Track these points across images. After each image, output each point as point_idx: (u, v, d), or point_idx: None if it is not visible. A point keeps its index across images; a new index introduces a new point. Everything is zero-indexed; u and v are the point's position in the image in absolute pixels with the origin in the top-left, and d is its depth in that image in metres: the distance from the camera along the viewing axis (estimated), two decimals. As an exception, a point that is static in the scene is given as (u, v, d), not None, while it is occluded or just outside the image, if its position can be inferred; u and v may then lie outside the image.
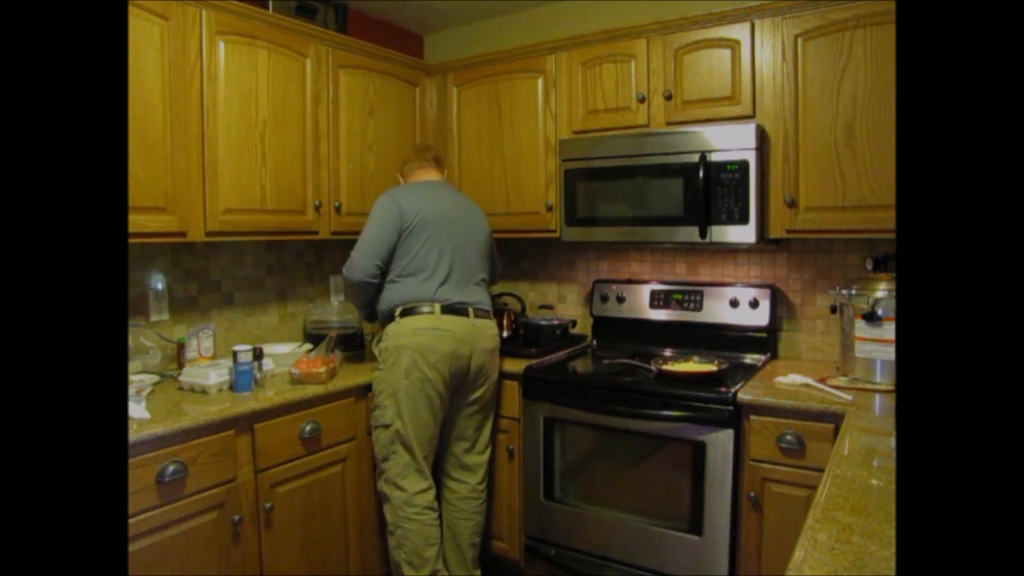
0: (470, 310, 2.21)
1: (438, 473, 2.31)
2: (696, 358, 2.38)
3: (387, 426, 2.12)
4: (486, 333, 2.25)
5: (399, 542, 2.13)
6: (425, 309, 2.16)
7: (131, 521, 1.62)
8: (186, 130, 2.05)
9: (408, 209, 2.21)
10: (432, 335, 2.12)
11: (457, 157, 2.92)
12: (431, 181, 2.40)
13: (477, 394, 2.27)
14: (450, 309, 2.18)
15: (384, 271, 2.23)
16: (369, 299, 2.28)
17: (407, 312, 2.17)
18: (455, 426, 2.28)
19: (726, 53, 2.28)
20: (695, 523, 2.05)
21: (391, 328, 2.17)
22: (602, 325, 2.83)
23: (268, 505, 1.96)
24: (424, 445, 2.14)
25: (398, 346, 2.11)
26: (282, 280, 2.76)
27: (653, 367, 2.27)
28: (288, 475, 2.04)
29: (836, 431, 1.79)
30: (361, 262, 2.20)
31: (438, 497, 2.26)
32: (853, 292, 2.09)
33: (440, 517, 2.24)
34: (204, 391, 2.00)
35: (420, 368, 2.10)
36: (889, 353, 2.01)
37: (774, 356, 2.52)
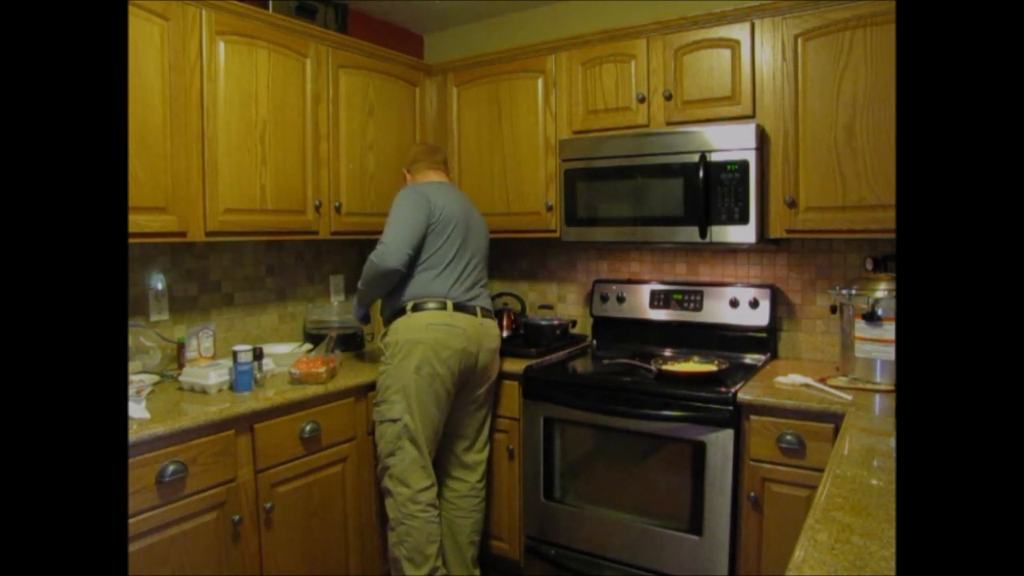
0: (477, 309, 2.23)
1: (438, 472, 2.31)
2: (696, 358, 2.38)
3: (395, 421, 2.10)
4: (491, 332, 2.27)
5: (400, 538, 2.13)
6: (437, 305, 2.16)
7: (131, 521, 1.62)
8: (186, 130, 2.05)
9: (436, 204, 2.22)
10: (445, 331, 2.13)
11: (457, 157, 2.92)
12: (440, 182, 2.39)
13: (479, 392, 2.28)
14: (460, 307, 2.19)
15: (413, 261, 2.18)
16: (384, 293, 2.25)
17: (419, 307, 2.16)
18: (456, 424, 2.29)
19: (726, 53, 2.28)
20: (695, 523, 2.05)
21: (401, 322, 2.16)
22: (602, 325, 2.83)
23: (268, 505, 1.96)
24: (430, 441, 2.15)
25: (410, 340, 2.11)
26: (282, 280, 2.76)
27: (653, 367, 2.27)
28: (288, 475, 2.04)
29: (836, 431, 1.79)
30: (396, 249, 2.11)
31: (438, 496, 2.26)
32: (853, 292, 2.09)
33: (439, 516, 2.24)
34: (204, 391, 2.00)
35: (431, 363, 2.10)
36: (889, 353, 2.01)
37: (774, 356, 2.52)
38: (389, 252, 2.13)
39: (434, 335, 2.11)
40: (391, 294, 2.24)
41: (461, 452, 2.31)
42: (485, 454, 2.37)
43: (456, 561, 2.29)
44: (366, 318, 2.44)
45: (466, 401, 2.27)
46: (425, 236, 2.19)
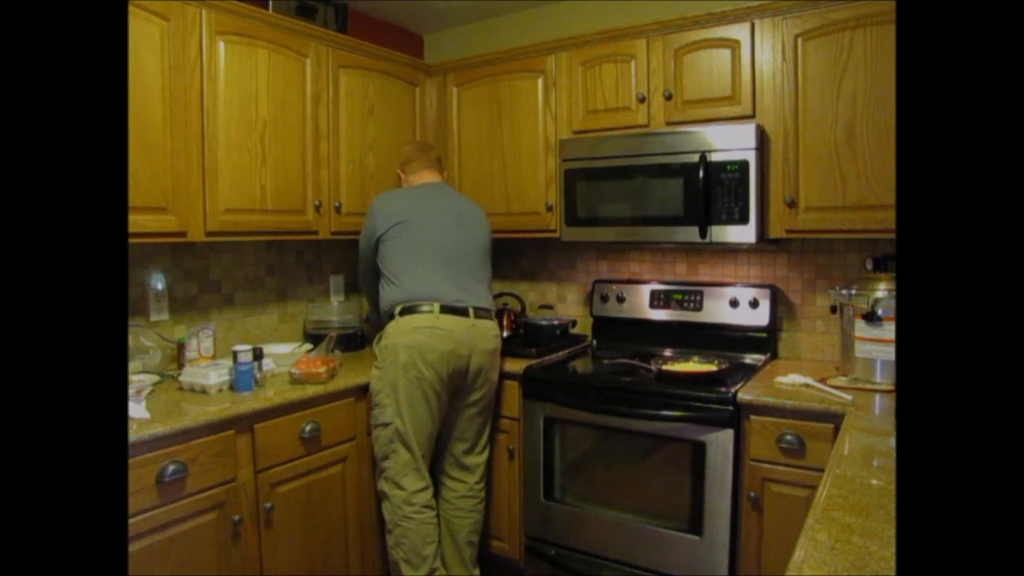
0: (470, 310, 2.20)
1: (436, 472, 2.31)
2: (696, 358, 2.38)
3: (387, 424, 2.12)
4: (486, 334, 2.24)
5: (397, 540, 2.13)
6: (425, 308, 2.16)
7: (131, 521, 1.62)
8: (186, 130, 2.05)
9: (386, 216, 2.27)
10: (430, 334, 2.12)
11: (457, 157, 2.92)
12: (430, 183, 2.43)
13: (477, 395, 2.26)
14: (449, 309, 2.17)
15: (376, 276, 2.33)
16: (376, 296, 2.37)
17: (406, 311, 2.17)
18: (455, 427, 2.28)
19: (726, 53, 2.28)
20: (695, 523, 2.05)
21: (390, 327, 2.17)
22: (602, 325, 2.83)
23: (268, 505, 1.96)
24: (423, 444, 2.14)
25: (395, 344, 2.12)
26: (282, 280, 2.76)
27: (653, 367, 2.27)
28: (288, 475, 2.04)
29: (836, 431, 1.79)
30: (359, 274, 2.48)
31: (436, 496, 2.26)
32: (853, 292, 2.09)
33: (438, 516, 2.24)
34: (204, 391, 2.00)
35: (417, 366, 2.09)
36: (889, 353, 2.01)
37: (774, 356, 2.52)
38: (358, 275, 2.52)
39: (419, 338, 2.11)
40: (382, 300, 2.27)
41: (460, 454, 2.30)
42: (485, 456, 2.36)
43: (454, 560, 2.29)
44: (377, 323, 2.46)
45: (463, 405, 2.25)
46: (377, 252, 2.31)
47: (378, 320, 2.42)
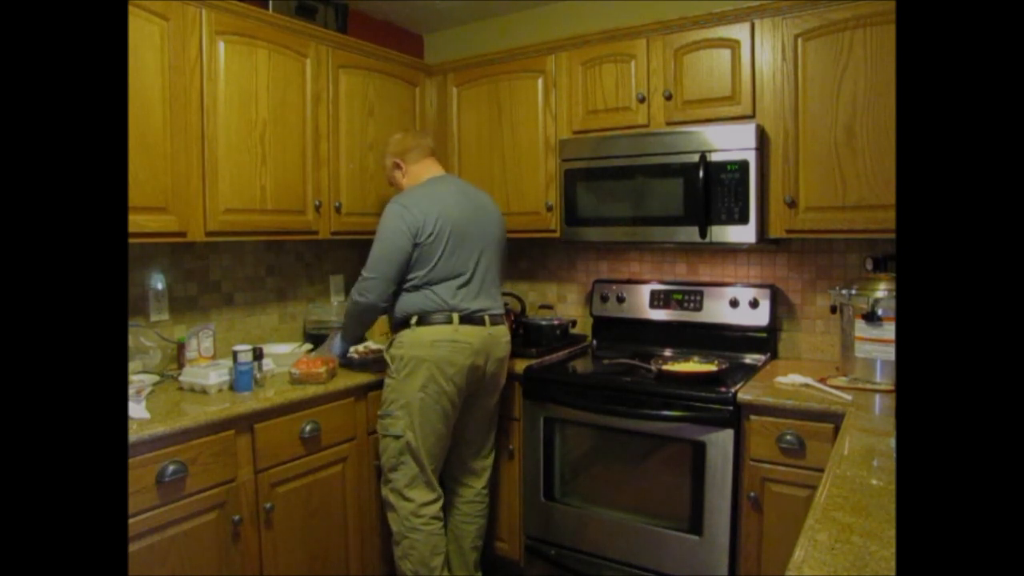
0: (486, 318, 2.15)
1: (444, 479, 2.28)
2: (696, 358, 2.38)
3: (398, 437, 2.07)
4: (500, 341, 2.20)
5: (405, 552, 2.10)
6: (442, 319, 2.09)
7: (131, 521, 1.62)
8: (186, 130, 2.05)
9: (424, 221, 2.09)
10: (451, 348, 2.06)
11: (457, 157, 2.92)
12: (440, 177, 2.30)
13: (488, 400, 2.24)
14: (467, 319, 2.11)
15: (397, 292, 2.15)
16: (370, 323, 2.25)
17: (423, 320, 2.10)
18: (464, 431, 2.25)
19: (726, 53, 2.28)
20: (695, 523, 2.05)
21: (406, 336, 2.10)
22: (602, 325, 2.83)
23: (268, 505, 1.96)
24: (436, 457, 2.12)
25: (415, 357, 2.05)
26: (282, 280, 2.76)
27: (653, 367, 2.27)
28: (288, 475, 2.04)
29: (836, 431, 1.79)
30: (376, 286, 2.09)
31: (444, 504, 2.23)
32: (853, 292, 2.10)
33: (445, 525, 2.22)
34: (204, 391, 2.00)
35: (437, 381, 2.05)
36: (889, 353, 2.01)
37: (774, 356, 2.52)
38: (370, 288, 2.10)
39: (439, 352, 2.05)
40: (396, 307, 2.16)
41: (468, 458, 2.28)
42: (491, 460, 2.33)
43: (459, 565, 2.28)
44: (358, 341, 2.39)
45: (473, 409, 2.22)
46: (411, 259, 2.10)
47: (344, 352, 2.35)
